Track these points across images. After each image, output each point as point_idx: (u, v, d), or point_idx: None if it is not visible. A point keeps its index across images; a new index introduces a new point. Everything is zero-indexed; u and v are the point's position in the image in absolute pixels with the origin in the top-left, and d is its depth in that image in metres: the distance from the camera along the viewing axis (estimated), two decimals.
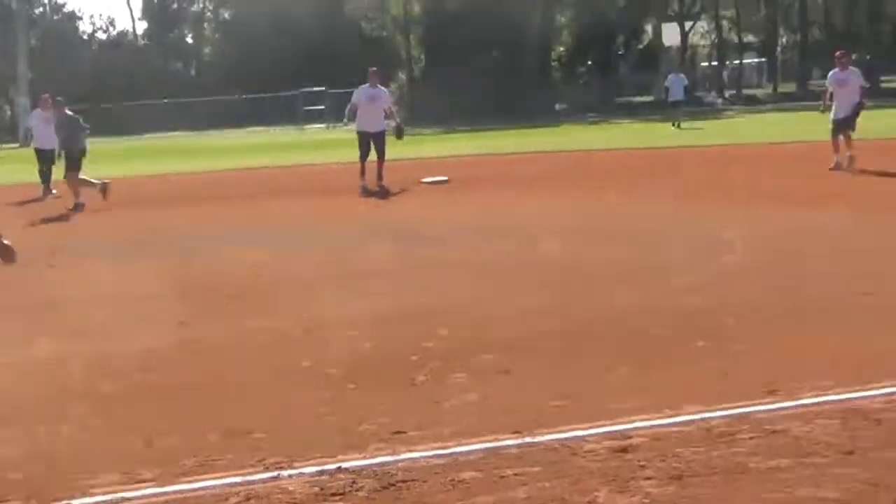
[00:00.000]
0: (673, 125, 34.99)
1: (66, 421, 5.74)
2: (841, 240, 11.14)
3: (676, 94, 35.91)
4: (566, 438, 5.03)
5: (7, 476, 4.83)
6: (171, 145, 42.57)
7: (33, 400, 6.25)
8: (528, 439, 5.04)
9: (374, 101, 19.07)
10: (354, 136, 19.77)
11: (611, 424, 5.20)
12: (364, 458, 4.87)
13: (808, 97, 45.85)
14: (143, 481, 4.68)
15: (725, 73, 68.02)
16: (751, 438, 4.94)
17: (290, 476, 4.68)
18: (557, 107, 56.86)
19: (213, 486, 4.58)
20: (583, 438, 5.03)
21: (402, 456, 4.88)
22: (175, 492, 4.56)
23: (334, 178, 21.47)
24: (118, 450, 5.16)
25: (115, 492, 4.55)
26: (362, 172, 18.83)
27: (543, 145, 29.31)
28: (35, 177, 20.94)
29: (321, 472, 4.69)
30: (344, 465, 4.76)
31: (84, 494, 4.56)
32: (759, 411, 5.31)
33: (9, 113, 59.40)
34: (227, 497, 4.48)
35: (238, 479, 4.65)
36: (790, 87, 62.41)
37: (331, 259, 11.35)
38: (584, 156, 25.30)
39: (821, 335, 6.91)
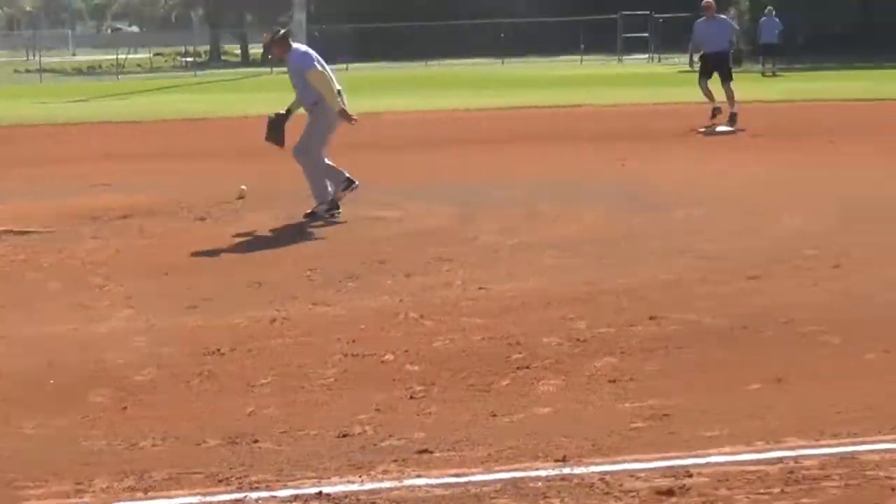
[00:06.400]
0: None
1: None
2: None
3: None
4: (611, 472, 4.19)
5: None
6: (464, 74, 39.07)
7: None
8: (565, 470, 4.27)
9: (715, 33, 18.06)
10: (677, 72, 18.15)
11: (673, 458, 4.32)
12: (358, 482, 4.16)
13: None
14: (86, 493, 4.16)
15: None
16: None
17: (257, 500, 4.03)
18: None
19: None
20: (631, 473, 4.16)
21: (406, 482, 4.20)
22: None
23: (654, 120, 19.22)
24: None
25: None
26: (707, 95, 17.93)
27: None
28: None
29: (295, 497, 4.05)
30: (326, 489, 4.11)
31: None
32: None
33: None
34: None
35: (194, 500, 4.03)
36: None
37: (516, 226, 9.90)
38: None
39: None
